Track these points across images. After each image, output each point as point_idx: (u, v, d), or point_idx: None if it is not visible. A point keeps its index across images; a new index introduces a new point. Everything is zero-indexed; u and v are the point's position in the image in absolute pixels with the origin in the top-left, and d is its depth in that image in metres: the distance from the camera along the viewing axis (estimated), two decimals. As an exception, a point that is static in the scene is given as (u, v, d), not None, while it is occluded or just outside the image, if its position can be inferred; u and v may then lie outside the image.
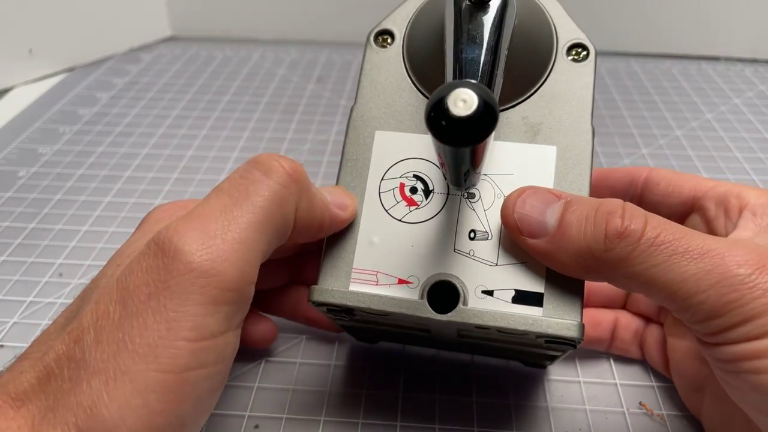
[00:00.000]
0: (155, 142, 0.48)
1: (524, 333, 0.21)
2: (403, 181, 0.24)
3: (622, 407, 0.27)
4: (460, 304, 0.21)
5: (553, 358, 0.26)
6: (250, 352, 0.30)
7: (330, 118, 0.51)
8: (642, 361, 0.29)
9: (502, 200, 0.23)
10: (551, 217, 0.21)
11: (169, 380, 0.17)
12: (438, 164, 0.24)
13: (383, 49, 0.26)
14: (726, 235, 0.23)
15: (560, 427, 0.26)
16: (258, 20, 0.66)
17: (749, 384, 0.19)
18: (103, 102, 0.54)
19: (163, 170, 0.44)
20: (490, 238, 0.22)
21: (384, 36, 0.26)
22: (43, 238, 0.38)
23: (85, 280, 0.34)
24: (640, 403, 0.27)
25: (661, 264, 0.19)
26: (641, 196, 0.27)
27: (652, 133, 0.48)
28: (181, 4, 0.66)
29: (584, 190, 0.23)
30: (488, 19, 0.22)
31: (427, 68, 0.25)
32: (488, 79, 0.21)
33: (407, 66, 0.26)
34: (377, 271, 0.23)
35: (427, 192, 0.24)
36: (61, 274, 0.35)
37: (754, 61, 0.60)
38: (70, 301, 0.22)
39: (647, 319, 0.29)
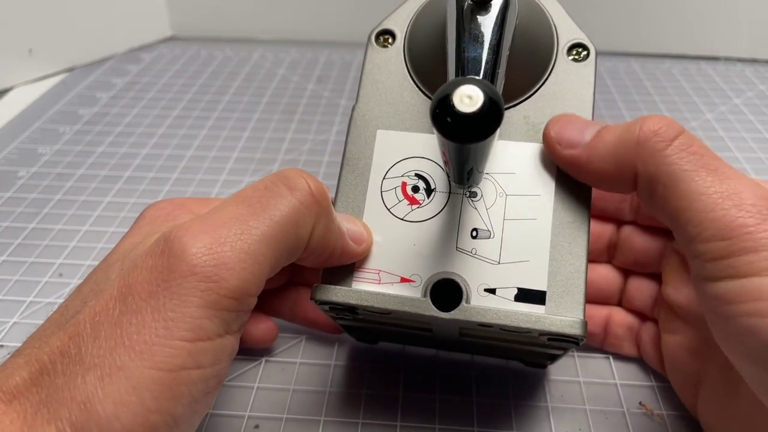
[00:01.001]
0: (155, 142, 0.48)
1: (527, 331, 0.21)
2: (405, 180, 0.24)
3: (622, 407, 0.27)
4: (464, 302, 0.21)
5: (553, 358, 0.26)
6: (250, 352, 0.30)
7: (330, 118, 0.51)
8: (641, 361, 0.29)
9: (504, 199, 0.23)
10: (589, 133, 0.22)
11: (164, 378, 0.17)
12: (441, 162, 0.24)
13: (384, 49, 0.26)
14: None
15: (560, 427, 0.26)
16: (258, 20, 0.66)
17: (745, 328, 0.18)
18: (103, 102, 0.54)
19: (163, 170, 0.44)
20: (492, 236, 0.23)
21: (385, 36, 0.26)
22: (43, 238, 0.38)
23: (85, 280, 0.34)
24: (640, 403, 0.27)
25: (688, 171, 0.19)
26: None
27: (652, 133, 0.48)
28: (182, 4, 0.66)
29: (586, 188, 0.23)
30: (490, 18, 0.22)
31: (428, 68, 0.25)
32: (490, 78, 0.21)
33: (408, 65, 0.26)
34: (379, 269, 0.23)
35: (429, 191, 0.24)
36: (61, 274, 0.35)
37: (754, 61, 0.60)
38: (70, 301, 0.22)
39: (642, 317, 0.29)
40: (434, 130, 0.17)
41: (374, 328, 0.26)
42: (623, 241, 0.28)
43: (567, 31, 0.25)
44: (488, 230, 0.23)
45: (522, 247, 0.22)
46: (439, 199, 0.23)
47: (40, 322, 0.20)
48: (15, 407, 0.17)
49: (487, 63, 0.21)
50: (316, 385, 0.28)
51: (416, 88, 0.25)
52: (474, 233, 0.23)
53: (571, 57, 0.25)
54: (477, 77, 0.19)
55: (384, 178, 0.24)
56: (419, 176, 0.24)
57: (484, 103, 0.15)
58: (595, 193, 0.23)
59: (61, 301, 0.33)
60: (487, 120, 0.16)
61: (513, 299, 0.22)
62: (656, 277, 0.28)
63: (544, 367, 0.28)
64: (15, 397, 0.17)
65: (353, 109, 0.25)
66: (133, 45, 0.65)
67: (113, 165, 0.45)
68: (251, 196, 0.20)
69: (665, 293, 0.26)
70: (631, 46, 0.62)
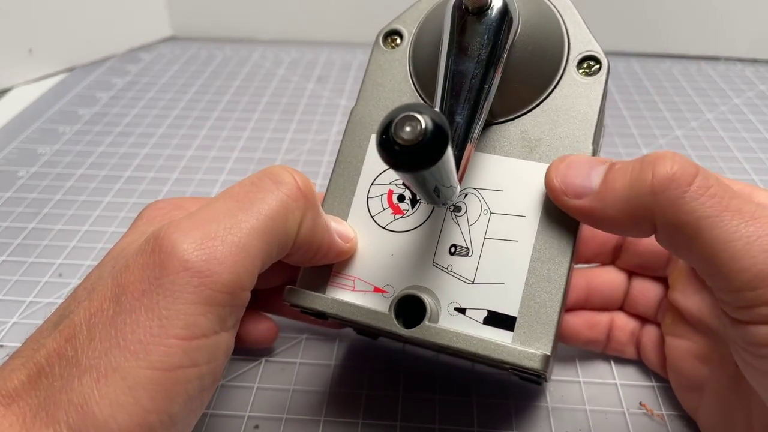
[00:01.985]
0: (155, 142, 0.48)
1: (485, 358, 0.20)
2: (392, 188, 0.24)
3: (622, 407, 0.27)
4: (426, 321, 0.21)
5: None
6: (250, 352, 0.30)
7: (330, 118, 0.51)
8: (641, 361, 0.29)
9: (487, 217, 0.22)
10: (596, 177, 0.21)
11: (160, 378, 0.17)
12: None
13: (390, 50, 0.26)
14: None
15: (560, 427, 0.26)
16: (258, 20, 0.66)
17: None
18: (103, 102, 0.54)
19: (163, 170, 0.44)
20: (470, 254, 0.22)
21: (393, 36, 0.26)
22: (42, 238, 0.38)
23: (85, 280, 0.34)
24: (640, 404, 0.27)
25: (711, 217, 0.18)
26: None
27: (652, 133, 0.48)
28: (181, 4, 0.66)
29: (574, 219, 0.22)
30: (484, 29, 0.21)
31: (429, 72, 0.24)
32: (476, 94, 0.21)
33: (411, 69, 0.25)
34: (355, 276, 0.23)
35: (414, 201, 0.23)
36: (60, 274, 0.35)
37: (754, 61, 0.60)
38: (69, 301, 0.22)
39: (643, 320, 0.29)
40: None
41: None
42: (629, 243, 0.28)
43: (580, 42, 0.23)
44: (467, 247, 0.22)
45: (499, 268, 0.22)
46: (423, 210, 0.23)
47: (40, 322, 0.20)
48: (14, 410, 0.17)
49: (473, 78, 0.21)
50: (316, 385, 0.28)
51: (416, 93, 0.25)
52: (452, 249, 0.22)
53: (581, 70, 0.23)
54: (421, 104, 0.18)
55: (372, 184, 0.24)
56: (406, 185, 0.23)
57: (427, 131, 0.15)
58: None
59: (60, 301, 0.33)
60: (430, 149, 0.15)
61: (482, 321, 0.21)
62: (661, 279, 0.28)
63: (540, 384, 0.28)
64: (14, 400, 0.17)
65: (352, 111, 0.25)
66: (132, 45, 0.65)
67: (113, 165, 0.45)
68: (238, 192, 0.20)
69: (672, 298, 0.26)
70: (632, 46, 0.62)
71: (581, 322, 0.28)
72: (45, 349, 0.18)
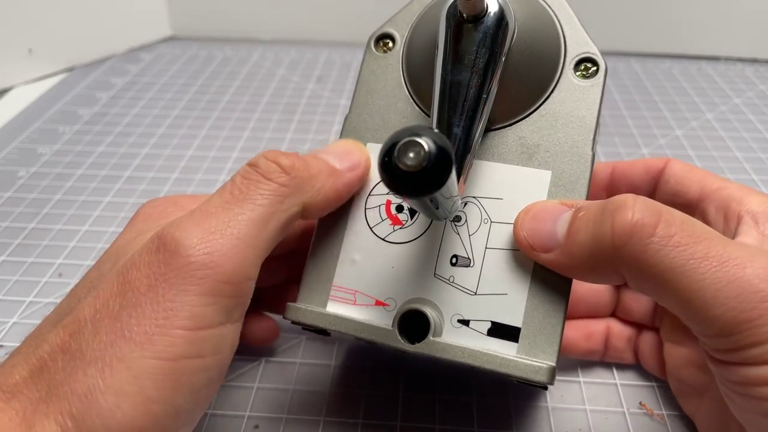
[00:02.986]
0: (155, 142, 0.48)
1: (492, 372, 0.20)
2: (389, 198, 0.23)
3: (623, 407, 0.27)
4: (430, 336, 0.21)
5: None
6: (250, 351, 0.30)
7: (330, 118, 0.51)
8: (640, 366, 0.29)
9: (488, 226, 0.22)
10: (561, 227, 0.20)
11: (164, 367, 0.17)
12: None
13: (383, 55, 0.25)
14: None
15: (560, 427, 0.26)
16: (258, 20, 0.66)
17: (759, 409, 0.18)
18: (103, 102, 0.54)
19: (162, 170, 0.44)
20: (472, 265, 0.22)
21: (385, 40, 0.25)
22: (42, 238, 0.38)
23: (85, 280, 0.34)
24: (640, 403, 0.27)
25: (676, 268, 0.18)
26: (654, 192, 0.26)
27: (652, 133, 0.48)
28: (181, 3, 0.66)
29: None
30: (480, 37, 0.21)
31: (423, 78, 0.24)
32: (474, 104, 0.20)
33: (405, 74, 0.25)
34: (356, 290, 0.23)
35: (413, 211, 0.23)
36: (60, 274, 0.35)
37: (754, 60, 0.60)
38: (69, 301, 0.22)
39: (640, 326, 0.28)
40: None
41: None
42: None
43: (577, 43, 0.23)
44: (468, 258, 0.22)
45: (501, 278, 0.21)
46: (422, 220, 0.23)
47: (40, 322, 0.21)
48: (14, 405, 0.17)
49: (470, 88, 0.20)
50: (316, 385, 0.28)
51: (410, 99, 0.24)
52: (454, 260, 0.22)
53: (578, 73, 0.23)
54: (423, 126, 0.17)
55: (369, 194, 0.23)
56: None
57: (430, 157, 0.15)
58: None
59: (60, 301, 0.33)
60: (433, 175, 0.15)
61: (486, 333, 0.21)
62: None
63: (545, 388, 0.28)
64: (14, 395, 0.17)
65: (345, 119, 0.25)
66: (132, 45, 0.65)
67: (113, 165, 0.45)
68: (231, 187, 0.20)
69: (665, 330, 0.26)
70: (632, 46, 0.62)
71: (578, 333, 0.28)
72: (47, 344, 0.18)
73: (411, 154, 0.15)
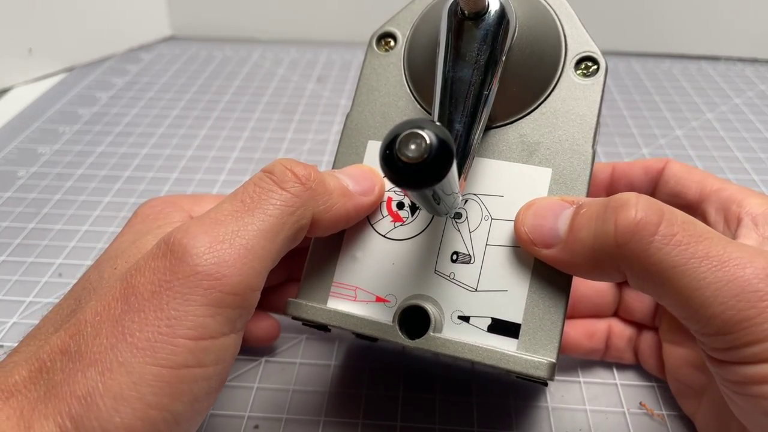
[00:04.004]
0: (155, 142, 0.48)
1: (492, 367, 0.20)
2: (390, 195, 0.23)
3: (623, 407, 0.27)
4: (430, 332, 0.21)
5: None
6: (250, 351, 0.30)
7: (330, 118, 0.51)
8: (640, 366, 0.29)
9: (488, 223, 0.22)
10: (563, 224, 0.20)
11: (165, 375, 0.17)
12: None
13: (384, 54, 0.25)
14: None
15: (560, 427, 0.26)
16: (258, 20, 0.66)
17: (758, 408, 0.18)
18: (103, 102, 0.54)
19: (162, 170, 0.44)
20: (472, 261, 0.22)
21: (386, 39, 0.25)
22: (42, 238, 0.38)
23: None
24: (640, 404, 0.27)
25: (677, 267, 0.18)
26: (654, 192, 0.26)
27: (653, 133, 0.48)
28: (181, 3, 0.66)
29: None
30: (481, 34, 0.21)
31: (425, 76, 0.24)
32: (475, 101, 0.20)
33: (406, 73, 0.25)
34: (356, 286, 0.23)
35: (414, 208, 0.23)
36: (60, 274, 0.35)
37: (754, 60, 0.60)
38: (69, 301, 0.22)
39: (640, 326, 0.28)
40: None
41: None
42: None
43: (577, 42, 0.23)
44: (469, 254, 0.22)
45: (502, 275, 0.21)
46: (423, 217, 0.23)
47: (39, 321, 0.20)
48: (12, 404, 0.17)
49: (473, 84, 0.20)
50: (315, 385, 0.28)
51: (412, 98, 0.24)
52: (454, 257, 0.22)
53: (579, 71, 0.23)
54: (424, 119, 0.17)
55: None
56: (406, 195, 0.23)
57: (432, 149, 0.15)
58: None
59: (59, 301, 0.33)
60: (435, 167, 0.15)
61: (486, 329, 0.21)
62: None
63: (545, 384, 0.28)
64: (12, 395, 0.17)
65: (347, 117, 0.25)
66: (132, 45, 0.65)
67: (113, 165, 0.45)
68: (243, 194, 0.20)
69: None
70: (632, 46, 0.62)
71: (580, 332, 0.28)
72: (49, 346, 0.18)
73: (412, 146, 0.15)
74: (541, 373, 0.20)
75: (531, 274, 0.21)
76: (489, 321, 0.21)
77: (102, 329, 0.18)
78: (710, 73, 0.58)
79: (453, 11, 0.21)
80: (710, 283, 0.17)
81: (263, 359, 0.30)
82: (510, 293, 0.21)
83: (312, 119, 0.51)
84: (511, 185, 0.22)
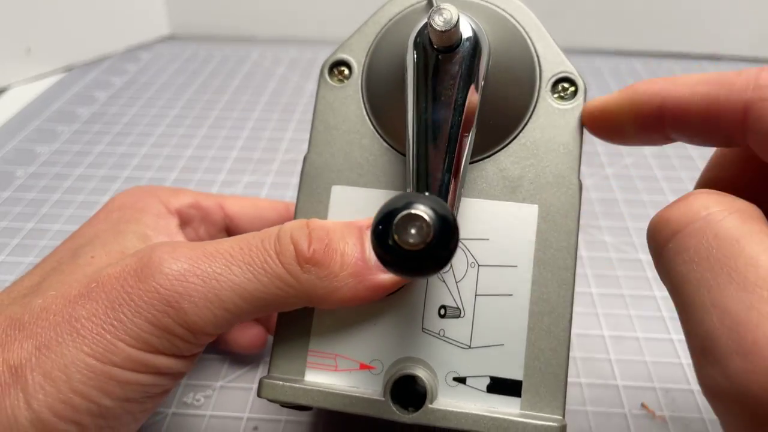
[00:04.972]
0: (154, 142, 0.48)
1: None
2: None
3: (624, 408, 0.27)
4: (427, 404, 0.19)
5: None
6: (243, 358, 0.29)
7: (329, 118, 0.51)
8: (643, 362, 0.29)
9: (476, 270, 0.20)
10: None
11: (97, 368, 0.17)
12: None
13: (340, 85, 0.23)
14: None
15: (561, 428, 0.26)
16: (257, 19, 0.66)
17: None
18: (102, 101, 0.54)
19: (161, 170, 0.44)
20: (462, 315, 0.20)
21: (340, 68, 0.23)
22: (41, 238, 0.37)
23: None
24: (641, 405, 0.27)
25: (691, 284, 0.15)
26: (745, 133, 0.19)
27: (653, 132, 0.48)
28: (180, 2, 0.66)
29: (569, 257, 0.20)
30: (455, 69, 0.19)
31: (390, 110, 0.22)
32: (459, 144, 0.18)
33: (367, 106, 0.22)
34: (336, 353, 0.20)
35: None
36: (59, 275, 0.35)
37: (755, 60, 0.60)
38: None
39: None
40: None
41: None
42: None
43: (551, 63, 0.21)
44: (458, 308, 0.20)
45: (496, 327, 0.20)
46: None
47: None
48: None
49: (453, 126, 0.18)
50: (315, 386, 0.28)
51: (375, 134, 0.22)
52: (442, 311, 0.20)
53: (556, 95, 0.21)
54: (418, 195, 0.15)
55: None
56: None
57: (435, 231, 0.13)
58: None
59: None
60: (441, 249, 0.13)
61: (485, 390, 0.19)
62: None
63: None
64: None
65: (305, 159, 0.22)
66: (131, 44, 0.64)
67: (112, 165, 0.45)
68: (250, 243, 0.19)
69: None
70: (633, 45, 0.62)
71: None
72: (1, 316, 0.18)
73: (412, 231, 0.13)
74: None
75: (527, 325, 0.20)
76: (487, 380, 0.20)
77: (53, 306, 0.18)
78: (711, 72, 0.58)
79: (421, 43, 0.19)
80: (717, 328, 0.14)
81: (262, 360, 0.29)
82: (506, 347, 0.20)
83: (311, 119, 0.51)
84: (497, 226, 0.20)
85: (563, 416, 0.19)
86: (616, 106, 0.20)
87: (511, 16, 0.22)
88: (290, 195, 0.41)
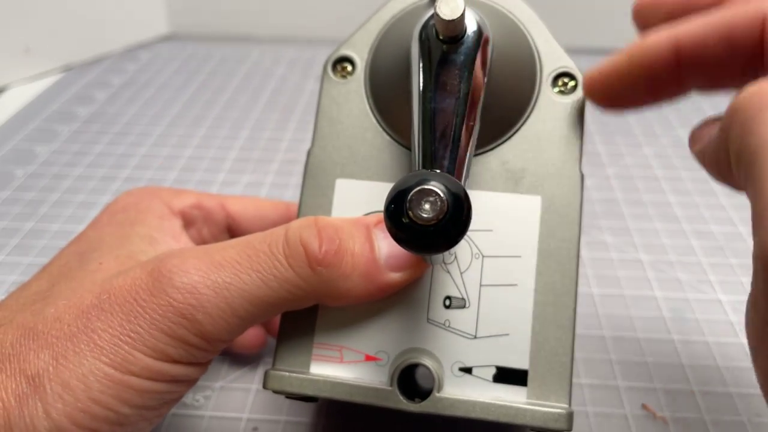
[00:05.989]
0: (153, 142, 0.48)
1: (507, 424, 0.19)
2: None
3: (625, 409, 0.27)
4: (435, 392, 0.19)
5: None
6: (241, 357, 0.29)
7: (329, 117, 0.51)
8: (644, 363, 0.29)
9: (480, 261, 0.20)
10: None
11: (115, 377, 0.17)
12: None
13: (343, 81, 0.23)
14: None
15: (562, 429, 0.26)
16: (257, 18, 0.66)
17: None
18: (101, 101, 0.54)
19: (161, 170, 0.44)
20: (467, 305, 0.20)
21: (343, 64, 0.23)
22: (40, 239, 0.37)
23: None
24: (642, 405, 0.27)
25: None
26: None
27: (654, 132, 0.48)
28: (180, 2, 0.66)
29: (572, 247, 0.20)
30: (461, 59, 0.19)
31: (393, 104, 0.22)
32: (463, 133, 0.19)
33: (370, 101, 0.23)
34: (342, 345, 0.20)
35: None
36: (58, 275, 0.35)
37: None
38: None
39: None
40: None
41: None
42: None
43: (552, 58, 0.22)
44: (463, 298, 0.20)
45: (501, 318, 0.20)
46: None
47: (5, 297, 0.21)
48: None
49: (458, 116, 0.18)
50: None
51: (379, 128, 0.22)
52: (447, 302, 0.20)
53: (556, 89, 0.22)
54: (430, 172, 0.15)
55: None
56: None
57: (448, 204, 0.13)
58: None
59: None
60: (454, 227, 0.13)
61: (491, 379, 0.20)
62: None
63: None
64: None
65: (308, 154, 0.23)
66: (130, 43, 0.64)
67: (111, 165, 0.45)
68: (256, 248, 0.19)
69: None
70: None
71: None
72: (14, 324, 0.18)
73: (426, 206, 0.13)
74: (561, 425, 0.19)
75: (532, 314, 0.20)
76: (493, 370, 0.20)
77: (66, 316, 0.18)
78: (711, 72, 0.58)
79: (426, 36, 0.20)
80: None
81: (262, 360, 0.29)
82: (512, 337, 0.20)
83: (311, 118, 0.51)
84: (500, 218, 0.21)
85: (569, 404, 0.19)
86: (626, 64, 0.19)
87: (511, 13, 0.22)
88: (290, 195, 0.41)
